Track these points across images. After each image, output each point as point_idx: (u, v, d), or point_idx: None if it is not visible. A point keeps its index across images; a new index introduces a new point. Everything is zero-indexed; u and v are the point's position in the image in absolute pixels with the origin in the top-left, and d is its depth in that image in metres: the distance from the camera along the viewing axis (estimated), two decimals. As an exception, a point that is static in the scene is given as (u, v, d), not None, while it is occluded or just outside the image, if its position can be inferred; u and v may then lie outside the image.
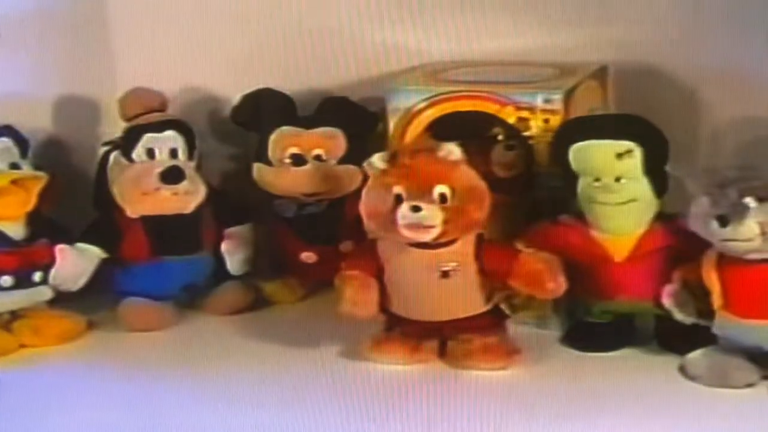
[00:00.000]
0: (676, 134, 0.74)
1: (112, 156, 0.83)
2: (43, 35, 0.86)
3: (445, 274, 0.71)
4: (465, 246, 0.72)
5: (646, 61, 0.82)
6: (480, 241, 0.73)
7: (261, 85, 0.84)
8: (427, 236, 0.71)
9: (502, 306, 0.74)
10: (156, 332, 0.81)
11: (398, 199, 0.71)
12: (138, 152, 0.82)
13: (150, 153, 0.82)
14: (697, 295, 0.71)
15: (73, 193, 0.83)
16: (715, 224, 0.68)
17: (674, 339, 0.73)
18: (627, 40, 0.81)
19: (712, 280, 0.69)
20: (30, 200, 0.78)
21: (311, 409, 0.68)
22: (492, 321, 0.74)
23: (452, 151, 0.72)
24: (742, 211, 0.67)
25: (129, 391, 0.72)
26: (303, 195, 0.83)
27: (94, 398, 0.71)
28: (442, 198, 0.71)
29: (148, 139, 0.82)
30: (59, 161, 0.86)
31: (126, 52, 0.88)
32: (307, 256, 0.83)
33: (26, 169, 0.81)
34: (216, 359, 0.76)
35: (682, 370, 0.71)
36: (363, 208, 0.73)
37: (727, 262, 0.69)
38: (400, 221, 0.71)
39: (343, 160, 0.83)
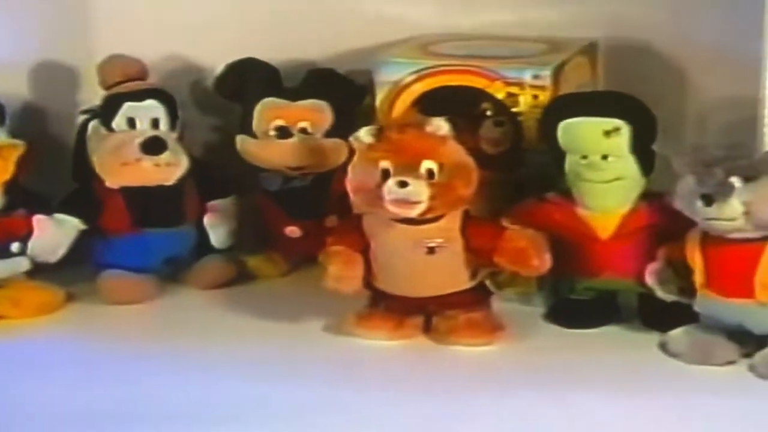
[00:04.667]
0: (664, 113, 0.78)
1: (91, 125, 0.85)
2: (20, 0, 0.86)
3: (430, 250, 0.75)
4: (451, 222, 0.75)
5: (636, 38, 0.84)
6: (466, 217, 0.76)
7: (245, 55, 0.86)
8: (414, 212, 0.74)
9: (487, 282, 0.78)
10: (137, 305, 0.83)
11: (385, 174, 0.74)
12: (118, 121, 0.84)
13: (131, 122, 0.84)
14: (680, 273, 0.74)
15: (52, 163, 0.85)
16: (699, 203, 0.71)
17: (657, 316, 0.77)
18: (617, 17, 0.84)
19: (695, 258, 0.73)
20: (7, 169, 0.80)
21: (294, 385, 0.71)
22: (477, 297, 0.77)
23: (440, 126, 0.75)
24: (726, 191, 0.71)
25: (109, 364, 0.74)
26: (288, 168, 0.85)
27: (73, 371, 0.74)
28: (430, 174, 0.74)
29: (128, 108, 0.84)
30: (37, 129, 0.88)
31: (106, 18, 0.89)
32: (292, 231, 0.85)
33: (3, 137, 0.83)
34: (198, 334, 0.79)
35: (664, 347, 0.75)
36: (349, 183, 0.76)
37: (710, 240, 0.73)
38: (387, 196, 0.73)
39: (329, 134, 0.85)
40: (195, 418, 0.67)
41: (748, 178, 0.71)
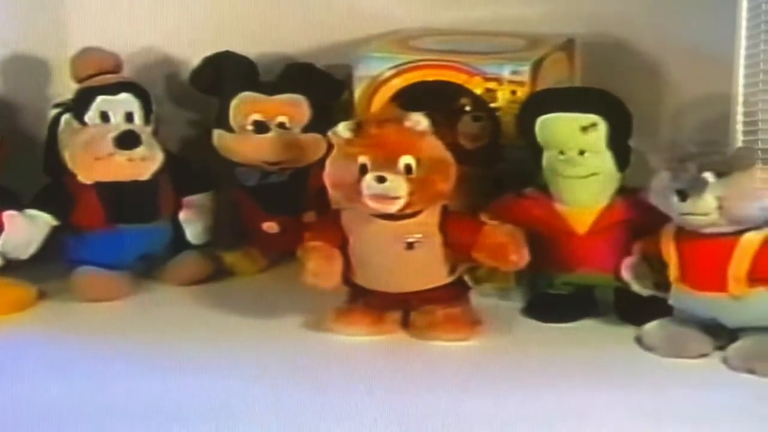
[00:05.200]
0: (640, 109, 0.79)
1: (64, 119, 0.84)
2: (-9, -10, 0.86)
3: (409, 246, 0.75)
4: (430, 217, 0.76)
5: (613, 35, 0.86)
6: (445, 212, 0.76)
7: (222, 48, 0.85)
8: (392, 207, 0.74)
9: (466, 278, 0.79)
10: (111, 303, 0.83)
11: (363, 169, 0.74)
12: (91, 115, 0.83)
13: (104, 116, 0.83)
14: (655, 267, 0.76)
15: (23, 157, 0.84)
16: (674, 198, 0.73)
17: (632, 310, 0.78)
18: (595, 14, 0.86)
19: (669, 252, 0.75)
20: (-24, 164, 0.79)
21: (272, 381, 0.71)
22: (455, 292, 0.78)
23: (419, 121, 0.75)
24: (700, 186, 0.72)
25: (82, 362, 0.74)
26: (265, 163, 0.85)
27: (45, 368, 0.73)
28: (408, 169, 0.74)
29: (101, 101, 0.83)
30: (7, 123, 0.87)
31: (79, 10, 0.88)
32: (269, 226, 0.85)
33: (-28, 132, 0.82)
34: (174, 330, 0.79)
35: (639, 340, 0.76)
36: (327, 178, 0.76)
37: (685, 235, 0.74)
38: (365, 191, 0.74)
39: (307, 128, 0.85)
40: (172, 415, 0.67)
41: (721, 174, 0.72)
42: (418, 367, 0.74)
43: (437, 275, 0.76)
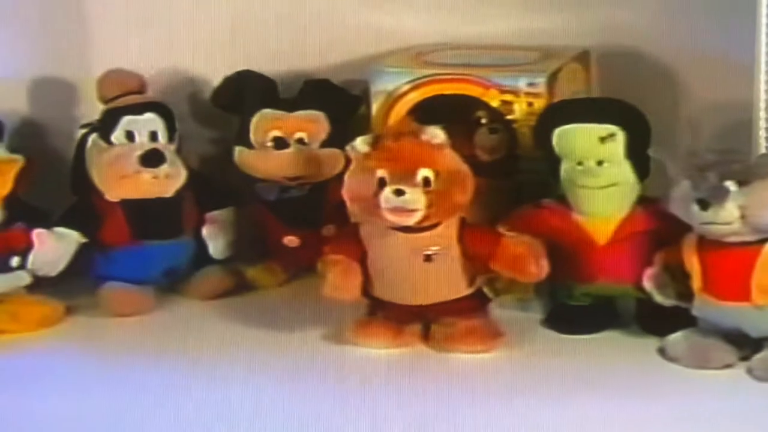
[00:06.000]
0: (658, 118, 0.77)
1: (91, 138, 0.85)
2: (18, 15, 0.87)
3: (428, 258, 0.74)
4: (448, 230, 0.75)
5: (629, 44, 0.84)
6: (463, 224, 0.75)
7: (242, 67, 0.86)
8: (411, 220, 0.73)
9: (485, 289, 0.77)
10: (136, 317, 0.83)
11: (381, 183, 0.74)
12: (117, 135, 0.84)
13: (129, 136, 0.84)
14: (677, 277, 0.74)
15: (51, 177, 0.85)
16: (695, 207, 0.71)
17: (654, 321, 0.76)
18: (609, 24, 0.84)
19: (692, 262, 0.73)
20: (6, 184, 0.80)
21: (294, 394, 0.71)
22: (475, 304, 0.77)
23: (436, 134, 0.74)
24: (722, 195, 0.70)
25: (109, 377, 0.74)
26: (285, 178, 0.85)
27: (73, 384, 0.74)
28: (426, 181, 0.73)
29: (127, 121, 0.83)
30: (36, 144, 0.88)
31: (104, 33, 0.89)
32: (290, 240, 0.85)
33: (2, 152, 0.83)
34: (197, 344, 0.79)
35: (662, 351, 0.74)
36: (346, 192, 0.76)
37: (707, 244, 0.72)
38: (383, 205, 0.73)
39: (325, 144, 0.85)
40: (196, 429, 0.66)
41: (742, 182, 0.70)
42: (439, 379, 0.73)
43: (456, 287, 0.76)
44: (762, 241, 0.71)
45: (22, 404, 0.71)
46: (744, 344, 0.73)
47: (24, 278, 0.81)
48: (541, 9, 0.84)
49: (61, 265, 0.82)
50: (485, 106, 0.79)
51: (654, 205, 0.76)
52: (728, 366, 0.72)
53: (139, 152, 0.82)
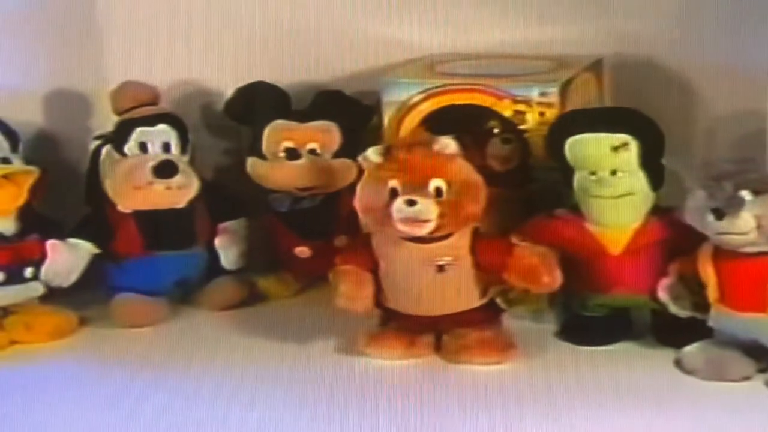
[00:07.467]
0: (672, 127, 0.76)
1: (104, 150, 0.85)
2: (33, 28, 0.87)
3: (440, 269, 0.73)
4: (460, 240, 0.74)
5: (642, 54, 0.84)
6: (475, 235, 0.75)
7: (255, 79, 0.86)
8: (423, 230, 0.73)
9: (498, 300, 0.76)
10: (149, 328, 0.83)
11: (393, 193, 0.73)
12: (130, 146, 0.83)
13: (143, 147, 0.84)
14: (692, 288, 0.73)
15: (65, 188, 0.85)
16: (710, 217, 0.70)
17: (670, 333, 0.75)
18: (622, 33, 0.84)
19: (707, 273, 0.72)
20: (21, 195, 0.80)
21: (306, 405, 0.70)
22: (487, 315, 0.76)
23: (448, 144, 0.74)
24: (737, 204, 0.69)
25: (122, 387, 0.74)
26: (297, 189, 0.84)
27: (86, 395, 0.73)
28: (438, 192, 0.73)
29: (140, 132, 0.83)
30: (50, 155, 0.88)
31: (118, 45, 0.89)
32: (302, 251, 0.84)
33: (17, 164, 0.83)
34: (210, 355, 0.78)
35: (679, 363, 0.73)
36: (358, 203, 0.75)
37: (722, 255, 0.71)
38: (396, 215, 0.72)
39: (337, 154, 0.84)
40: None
41: (758, 192, 0.69)
42: (451, 391, 0.72)
43: (469, 298, 0.75)
44: (778, 252, 0.70)
45: (35, 415, 0.70)
46: (762, 356, 0.71)
47: (37, 289, 0.81)
48: (555, 19, 0.84)
49: (74, 276, 0.82)
50: (498, 116, 0.79)
51: (668, 215, 0.75)
52: (746, 378, 0.71)
53: (152, 163, 0.82)
